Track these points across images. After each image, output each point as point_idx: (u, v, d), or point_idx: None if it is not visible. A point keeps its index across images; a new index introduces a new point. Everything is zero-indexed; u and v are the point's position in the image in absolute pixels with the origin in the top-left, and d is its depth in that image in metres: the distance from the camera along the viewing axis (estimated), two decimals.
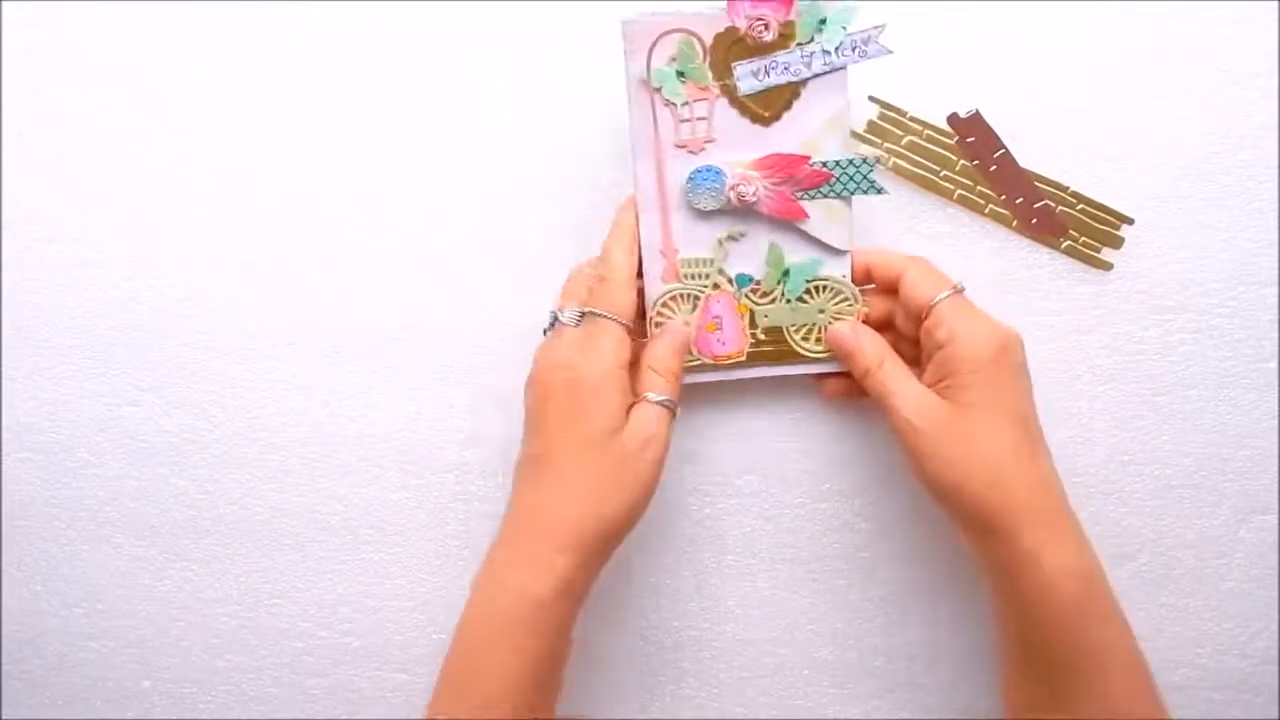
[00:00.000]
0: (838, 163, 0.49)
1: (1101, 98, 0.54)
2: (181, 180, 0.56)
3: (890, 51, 0.48)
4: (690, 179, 0.49)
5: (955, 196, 0.54)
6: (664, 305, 0.51)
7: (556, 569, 0.45)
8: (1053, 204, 0.54)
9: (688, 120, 0.49)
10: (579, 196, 0.55)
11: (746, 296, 0.51)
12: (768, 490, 0.55)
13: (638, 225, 0.50)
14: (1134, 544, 0.55)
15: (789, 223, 0.50)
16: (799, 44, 0.48)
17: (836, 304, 0.51)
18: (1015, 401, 0.47)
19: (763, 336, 0.52)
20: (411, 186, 0.56)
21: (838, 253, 0.51)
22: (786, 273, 0.51)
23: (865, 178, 0.49)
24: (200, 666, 0.57)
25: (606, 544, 0.47)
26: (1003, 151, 0.54)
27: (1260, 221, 0.54)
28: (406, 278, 0.56)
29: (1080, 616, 0.44)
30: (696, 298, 0.51)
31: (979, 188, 0.54)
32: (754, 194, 0.49)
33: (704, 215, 0.50)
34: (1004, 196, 0.54)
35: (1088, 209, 0.54)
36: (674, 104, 0.49)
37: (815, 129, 0.49)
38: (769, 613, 0.56)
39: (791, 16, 0.48)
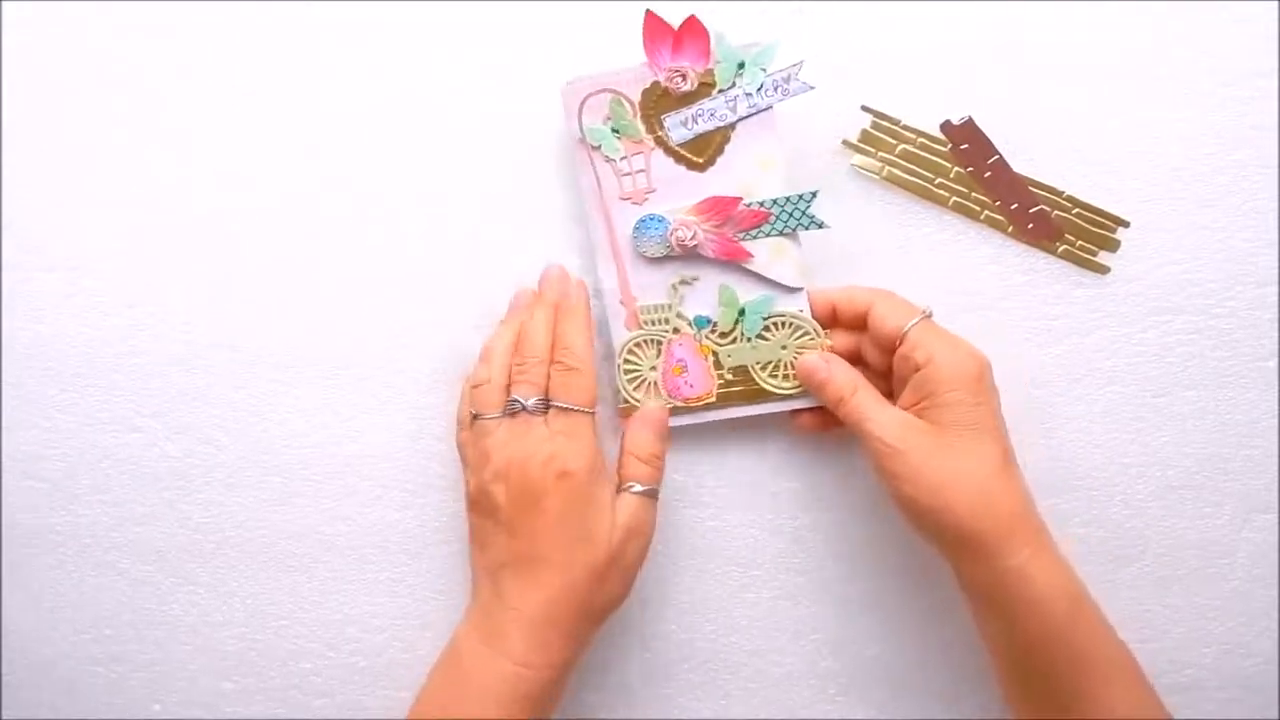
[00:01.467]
0: (775, 201, 0.50)
1: (1094, 101, 0.54)
2: (181, 207, 0.56)
3: (812, 87, 0.49)
4: (635, 229, 0.51)
5: (950, 204, 0.54)
6: (629, 352, 0.52)
7: (553, 663, 0.46)
8: (1048, 209, 0.54)
9: (628, 174, 0.51)
10: (584, 218, 0.55)
11: (707, 338, 0.52)
12: (770, 502, 0.56)
13: (584, 298, 0.52)
14: (1136, 546, 0.55)
15: (736, 263, 0.51)
16: (721, 90, 0.50)
17: (798, 339, 0.52)
18: (992, 421, 0.47)
19: (730, 376, 0.52)
20: (410, 209, 0.56)
21: (792, 289, 0.51)
22: (742, 312, 0.52)
23: (804, 213, 0.50)
24: (208, 689, 0.57)
25: (594, 631, 0.48)
26: (996, 158, 0.54)
27: (1257, 221, 0.54)
28: (405, 299, 0.56)
29: (1071, 631, 0.45)
30: (659, 342, 0.52)
31: (974, 194, 0.54)
32: (693, 238, 0.50)
33: (656, 262, 0.52)
34: (999, 202, 0.54)
35: (1083, 213, 0.54)
36: (613, 160, 0.51)
37: (749, 170, 0.51)
38: (773, 623, 0.56)
39: (710, 64, 0.49)
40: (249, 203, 0.56)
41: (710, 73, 0.50)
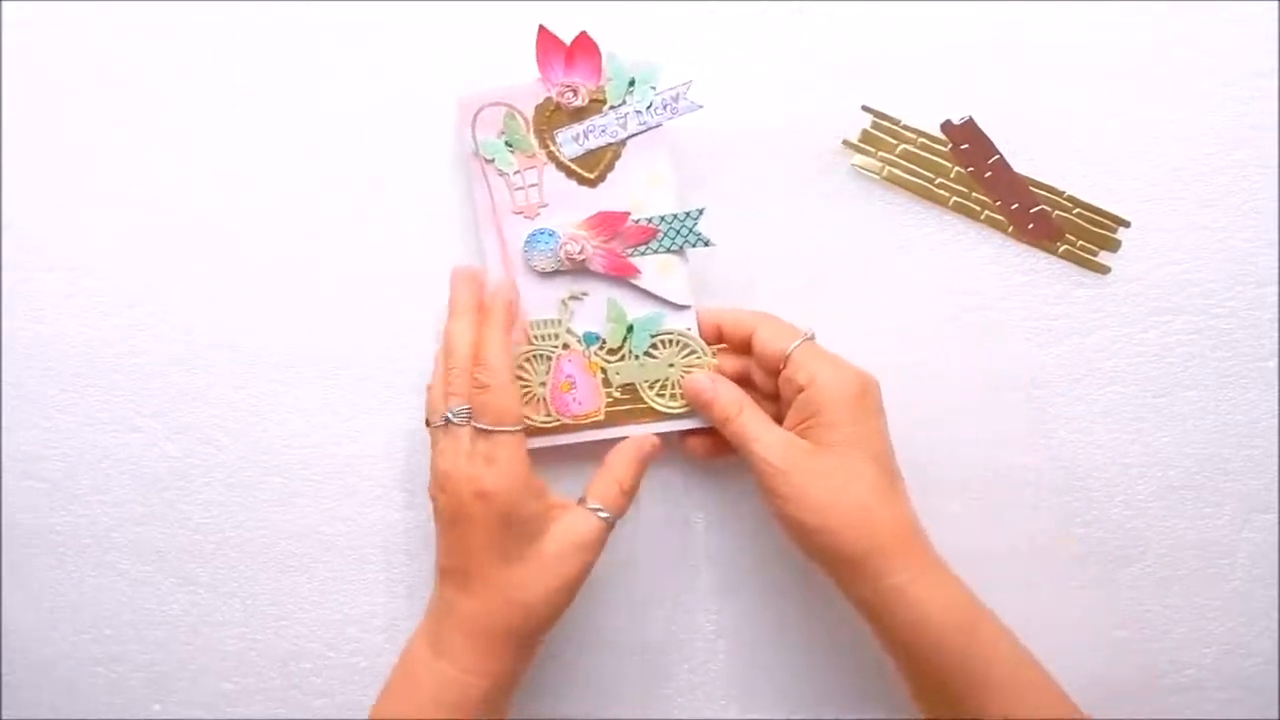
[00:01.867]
0: (663, 218, 0.51)
1: (1094, 101, 0.54)
2: (181, 207, 0.56)
3: (700, 106, 0.50)
4: (526, 242, 0.51)
5: (951, 204, 0.54)
6: (519, 368, 0.52)
7: (491, 671, 0.46)
8: (1048, 208, 0.54)
9: (521, 188, 0.52)
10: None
11: (596, 354, 0.52)
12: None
13: (505, 305, 0.50)
14: (1137, 546, 0.55)
15: (625, 279, 0.51)
16: (612, 107, 0.50)
17: (685, 357, 0.52)
18: (876, 441, 0.47)
19: (619, 394, 0.52)
20: (407, 211, 0.56)
21: (680, 306, 0.52)
22: (631, 328, 0.52)
23: (691, 230, 0.51)
24: (208, 689, 0.57)
25: (535, 639, 0.48)
26: (997, 157, 0.54)
27: (1257, 221, 0.54)
28: (404, 299, 0.56)
29: (964, 653, 0.45)
30: (549, 358, 0.52)
31: (974, 194, 0.54)
32: (581, 252, 0.51)
33: (547, 277, 0.52)
34: (999, 202, 0.54)
35: (1084, 213, 0.54)
36: (506, 173, 0.51)
37: (639, 186, 0.51)
38: (764, 618, 0.56)
39: (602, 81, 0.50)
40: (249, 203, 0.56)
41: (602, 89, 0.50)
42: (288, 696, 0.57)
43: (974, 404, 0.55)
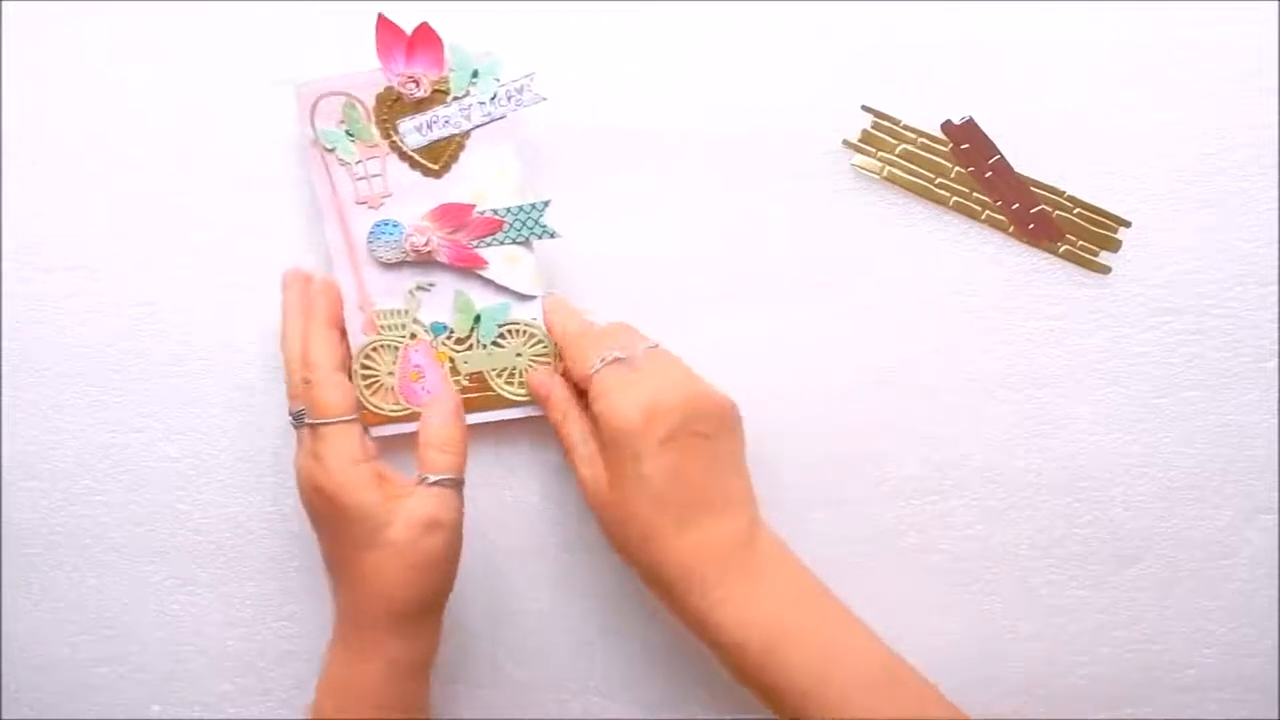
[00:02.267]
0: (509, 209, 0.51)
1: (1095, 101, 0.54)
2: (179, 206, 0.56)
3: (544, 98, 0.50)
4: (370, 233, 0.51)
5: (951, 204, 0.54)
6: (366, 357, 0.52)
7: (385, 652, 0.46)
8: (1049, 209, 0.54)
9: (363, 178, 0.51)
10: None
11: (444, 344, 0.52)
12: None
13: (326, 303, 0.51)
14: (1139, 547, 0.55)
15: (472, 270, 0.52)
16: (455, 98, 0.50)
17: (532, 347, 0.52)
18: (654, 481, 0.45)
19: (467, 383, 0.53)
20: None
21: (527, 297, 0.52)
22: (478, 318, 0.52)
23: (537, 222, 0.51)
24: (209, 690, 0.57)
25: (423, 620, 0.47)
26: (997, 157, 0.54)
27: (1258, 221, 0.54)
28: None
29: (769, 666, 0.45)
30: (396, 348, 0.52)
31: (975, 194, 0.54)
32: (427, 244, 0.51)
33: (394, 268, 0.52)
34: (1000, 202, 0.54)
35: (1084, 213, 0.54)
36: (348, 163, 0.51)
37: (484, 178, 0.51)
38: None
39: (445, 72, 0.50)
40: (249, 204, 0.56)
41: (445, 80, 0.50)
42: (288, 696, 0.57)
43: (974, 404, 0.55)
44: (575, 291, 0.54)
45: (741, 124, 0.54)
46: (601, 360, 0.47)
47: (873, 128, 0.54)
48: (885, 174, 0.54)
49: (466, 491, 0.48)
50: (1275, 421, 0.54)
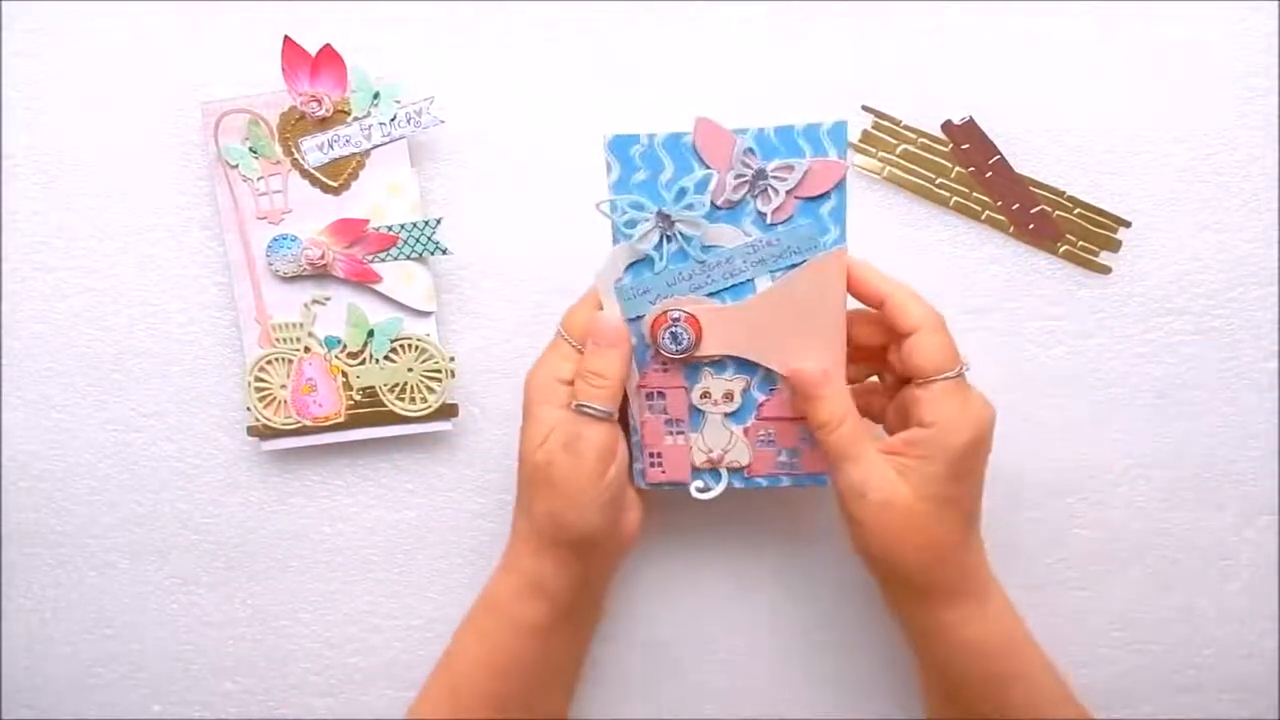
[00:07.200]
0: (403, 226, 0.52)
1: (1095, 101, 0.54)
2: (179, 205, 0.56)
3: (442, 121, 0.52)
4: (269, 247, 0.53)
5: (951, 204, 0.54)
6: (260, 370, 0.53)
7: (521, 568, 0.47)
8: (1049, 209, 0.54)
9: (265, 194, 0.53)
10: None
11: (337, 358, 0.53)
12: (768, 505, 0.56)
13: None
14: (1140, 547, 0.55)
15: (367, 285, 0.53)
16: (356, 118, 0.52)
17: (424, 363, 0.53)
18: (971, 499, 0.46)
19: (359, 398, 0.54)
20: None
21: (421, 313, 0.53)
22: (371, 333, 0.53)
23: (430, 239, 0.52)
24: (209, 689, 0.57)
25: (560, 550, 0.46)
26: (998, 158, 0.54)
27: (1258, 221, 0.54)
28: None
29: (999, 686, 0.46)
30: (290, 361, 0.53)
31: (975, 194, 0.54)
32: (323, 258, 0.52)
33: (290, 281, 0.53)
34: (1000, 202, 0.54)
35: (1084, 213, 0.54)
36: (251, 179, 0.52)
37: (381, 195, 0.53)
38: (774, 622, 0.56)
39: (347, 93, 0.51)
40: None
41: (346, 100, 0.52)
42: (288, 696, 0.57)
43: None
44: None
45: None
46: (964, 365, 0.45)
47: (873, 128, 0.54)
48: (885, 174, 0.54)
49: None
50: (1275, 421, 0.54)
